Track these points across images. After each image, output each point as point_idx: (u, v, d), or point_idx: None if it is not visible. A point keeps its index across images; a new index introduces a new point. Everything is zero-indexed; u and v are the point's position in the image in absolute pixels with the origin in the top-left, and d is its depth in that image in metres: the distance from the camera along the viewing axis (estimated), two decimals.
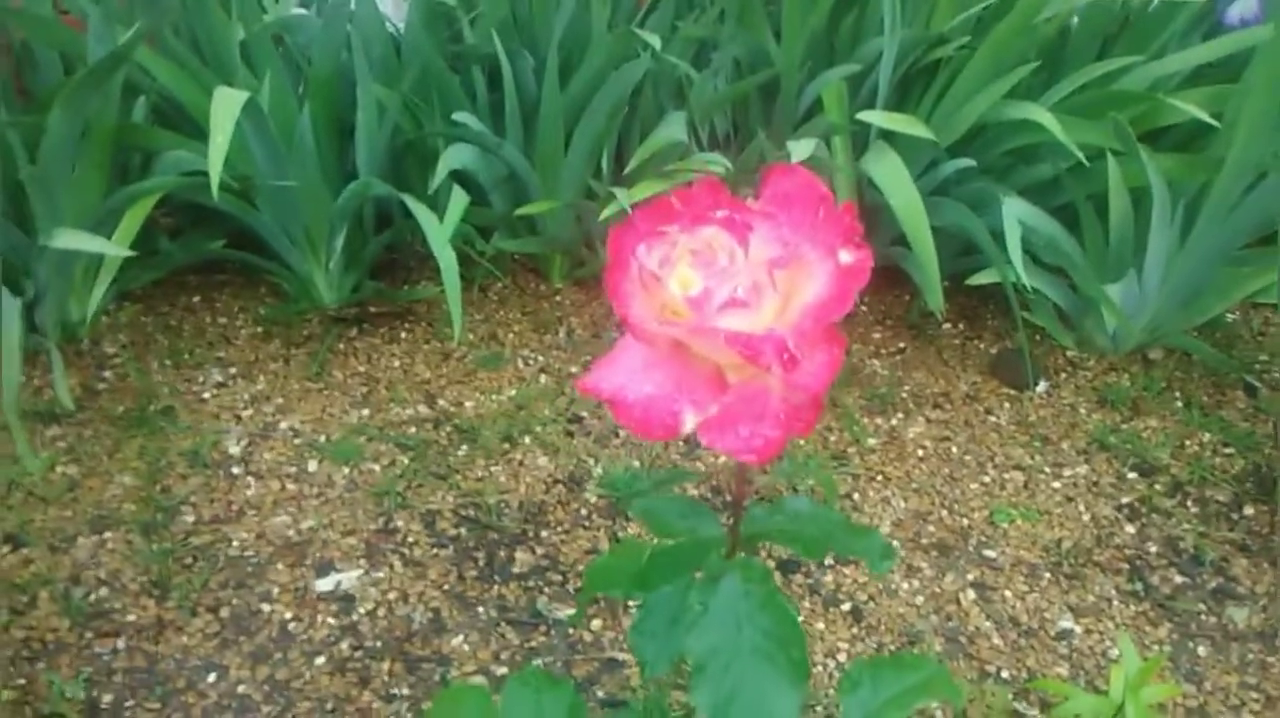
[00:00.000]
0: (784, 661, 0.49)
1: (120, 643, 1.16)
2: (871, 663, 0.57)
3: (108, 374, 1.56)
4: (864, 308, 1.82)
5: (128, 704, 1.09)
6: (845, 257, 0.48)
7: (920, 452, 1.54)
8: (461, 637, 1.19)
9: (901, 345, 1.76)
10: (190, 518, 1.33)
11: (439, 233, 1.45)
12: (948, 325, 1.81)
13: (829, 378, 0.47)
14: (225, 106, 1.33)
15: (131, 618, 1.19)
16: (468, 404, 1.57)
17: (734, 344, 0.46)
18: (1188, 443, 1.58)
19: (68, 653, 1.14)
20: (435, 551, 1.31)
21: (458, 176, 1.60)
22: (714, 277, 0.47)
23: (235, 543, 1.30)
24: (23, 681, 1.11)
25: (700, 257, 0.48)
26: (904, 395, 1.64)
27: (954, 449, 1.55)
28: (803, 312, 0.47)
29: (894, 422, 1.59)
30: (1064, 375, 1.71)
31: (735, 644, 0.49)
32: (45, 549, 1.26)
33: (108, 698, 1.10)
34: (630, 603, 1.24)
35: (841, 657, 1.21)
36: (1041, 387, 1.68)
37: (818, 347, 0.47)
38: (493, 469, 1.45)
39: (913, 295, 1.82)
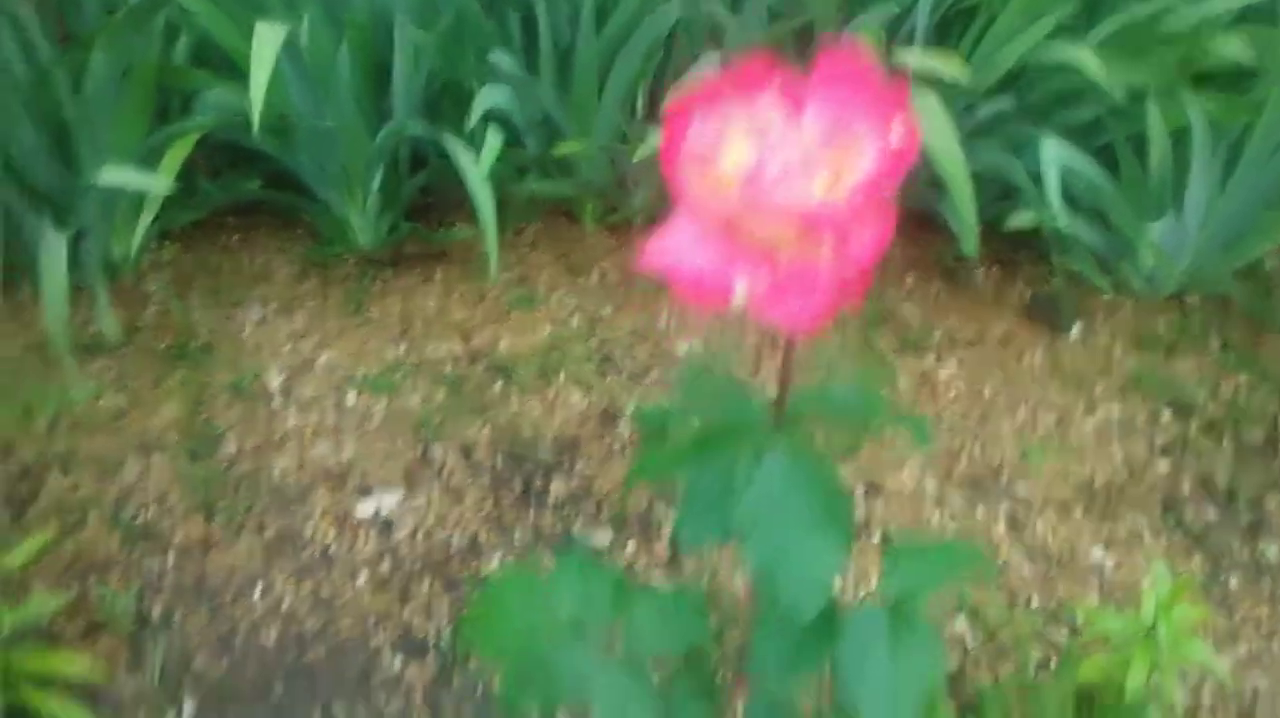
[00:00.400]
0: (830, 525, 0.50)
1: (169, 560, 1.19)
2: (911, 543, 0.59)
3: (150, 311, 1.59)
4: (896, 252, 1.82)
5: (177, 615, 1.13)
6: (895, 133, 0.49)
7: (952, 392, 1.54)
8: (498, 559, 1.22)
9: (934, 290, 1.76)
10: (233, 447, 1.36)
11: (476, 170, 1.46)
12: (981, 271, 1.80)
13: (878, 252, 0.48)
14: (266, 41, 1.34)
15: (179, 537, 1.22)
16: (502, 343, 1.59)
17: (786, 217, 0.47)
18: (1223, 385, 1.57)
19: (117, 568, 1.18)
20: (472, 479, 1.34)
21: (493, 120, 1.61)
22: (767, 151, 0.48)
23: (277, 470, 1.33)
24: (74, 593, 1.14)
25: (754, 132, 0.49)
26: (936, 338, 1.64)
27: (986, 390, 1.55)
28: (853, 186, 0.48)
29: (926, 364, 1.59)
30: (1099, 320, 1.70)
31: (783, 508, 0.50)
32: (93, 473, 1.30)
33: (158, 610, 1.14)
34: (664, 529, 1.26)
35: (871, 583, 1.22)
36: (1076, 330, 1.67)
37: (867, 221, 0.48)
38: (528, 404, 1.47)
39: (946, 241, 1.81)
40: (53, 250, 1.36)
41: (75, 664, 1.02)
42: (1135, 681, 1.02)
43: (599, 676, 0.59)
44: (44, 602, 1.04)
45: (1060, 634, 1.17)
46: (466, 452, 1.38)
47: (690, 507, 0.57)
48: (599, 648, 0.60)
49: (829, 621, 0.56)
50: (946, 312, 1.70)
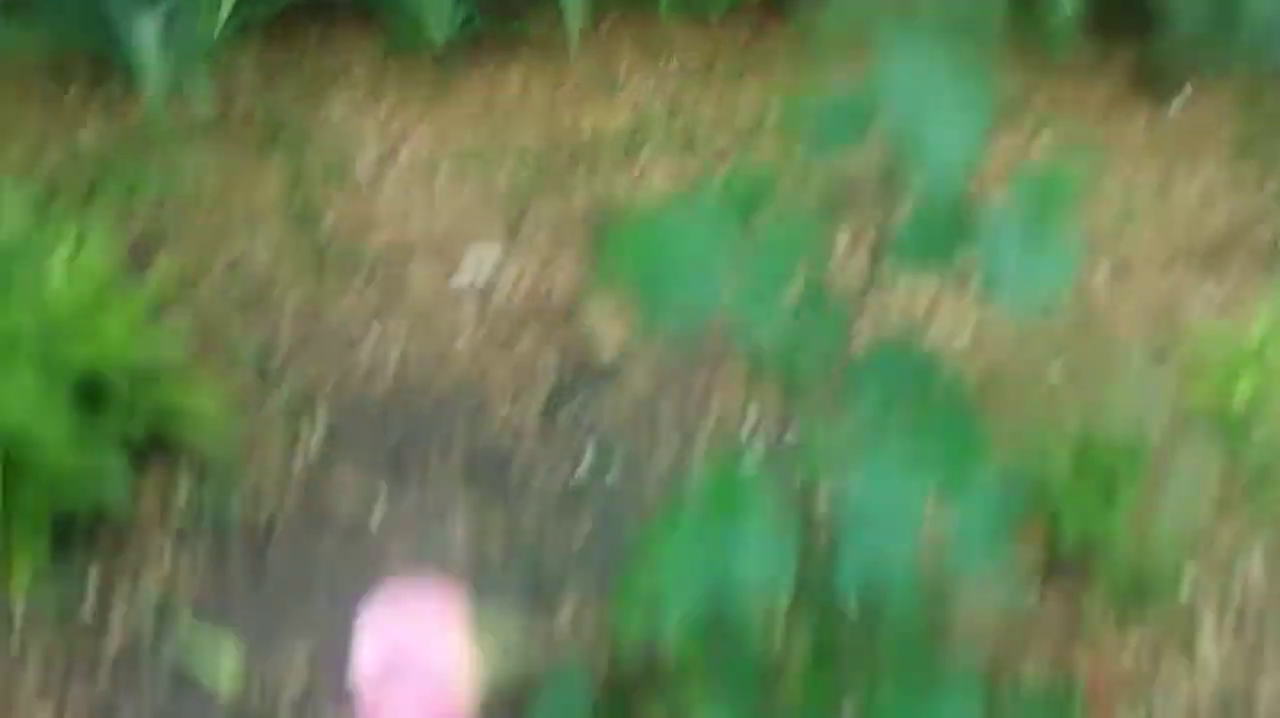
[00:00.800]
0: (969, 105, 0.51)
1: (283, 319, 1.24)
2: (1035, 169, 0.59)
3: (238, 104, 1.60)
4: (991, 20, 1.74)
5: (296, 364, 1.18)
6: None
7: (1050, 155, 1.50)
8: (595, 311, 1.24)
9: (1034, 59, 1.68)
10: (332, 221, 1.39)
11: None
12: (1083, 40, 1.71)
13: None
14: None
15: (290, 300, 1.27)
16: (585, 125, 1.58)
17: None
18: None
19: (235, 326, 1.23)
20: (564, 248, 1.36)
21: None
22: None
23: (377, 240, 1.36)
24: (196, 348, 1.20)
25: None
26: (1035, 106, 1.59)
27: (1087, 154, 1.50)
28: None
29: (1024, 130, 1.54)
30: (1205, 90, 1.63)
31: (922, 89, 0.51)
32: (203, 245, 1.34)
33: (276, 360, 1.19)
34: None
35: (968, 332, 1.23)
36: (1179, 101, 1.60)
37: None
38: (614, 181, 1.47)
39: (1045, 8, 1.72)
40: (144, 27, 1.38)
41: (209, 397, 1.08)
42: (1242, 394, 1.02)
43: (731, 291, 0.60)
44: (173, 342, 1.10)
45: (1164, 371, 1.16)
46: (557, 223, 1.39)
47: (826, 111, 0.57)
48: (729, 269, 0.61)
49: (964, 213, 0.56)
50: (1045, 80, 1.64)
